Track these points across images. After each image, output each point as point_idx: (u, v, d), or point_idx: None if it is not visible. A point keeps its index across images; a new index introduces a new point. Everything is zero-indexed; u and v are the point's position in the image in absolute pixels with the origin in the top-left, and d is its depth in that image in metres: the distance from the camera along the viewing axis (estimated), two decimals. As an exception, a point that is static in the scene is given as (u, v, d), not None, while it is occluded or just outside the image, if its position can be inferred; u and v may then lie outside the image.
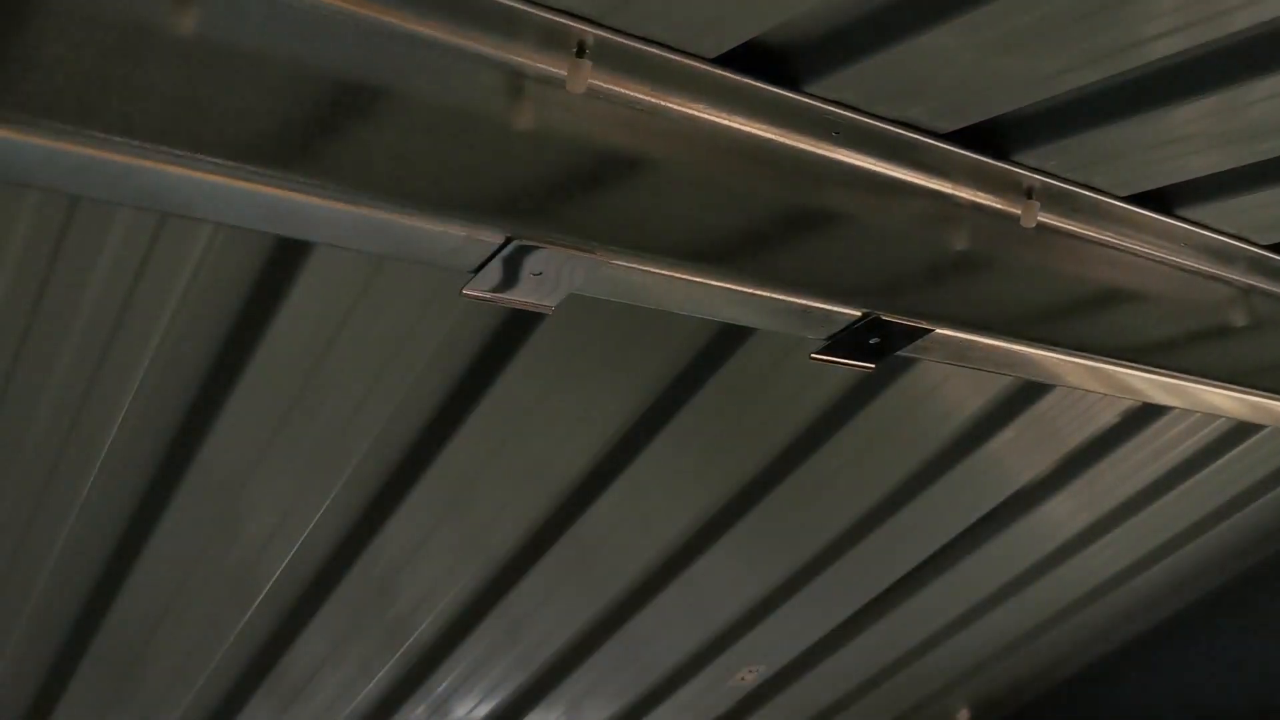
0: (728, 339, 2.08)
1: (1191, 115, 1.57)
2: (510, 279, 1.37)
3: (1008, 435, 2.59)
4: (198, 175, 1.14)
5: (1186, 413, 2.70)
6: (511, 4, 1.28)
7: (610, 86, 1.38)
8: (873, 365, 1.72)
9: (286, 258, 1.68)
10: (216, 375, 1.85)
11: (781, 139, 1.53)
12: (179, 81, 1.13)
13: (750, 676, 3.45)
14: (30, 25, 1.05)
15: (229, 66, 1.16)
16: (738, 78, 1.45)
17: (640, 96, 1.41)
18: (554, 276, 1.38)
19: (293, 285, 1.69)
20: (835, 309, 1.57)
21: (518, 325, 1.93)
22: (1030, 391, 2.47)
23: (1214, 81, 1.50)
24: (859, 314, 1.58)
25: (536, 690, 3.14)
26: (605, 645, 3.00)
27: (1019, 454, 2.73)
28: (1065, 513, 3.09)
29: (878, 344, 1.66)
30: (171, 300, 1.67)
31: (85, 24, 1.08)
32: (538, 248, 1.32)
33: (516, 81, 1.33)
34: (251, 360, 1.81)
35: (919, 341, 1.67)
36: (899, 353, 1.69)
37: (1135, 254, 1.93)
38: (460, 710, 3.11)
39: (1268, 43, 1.44)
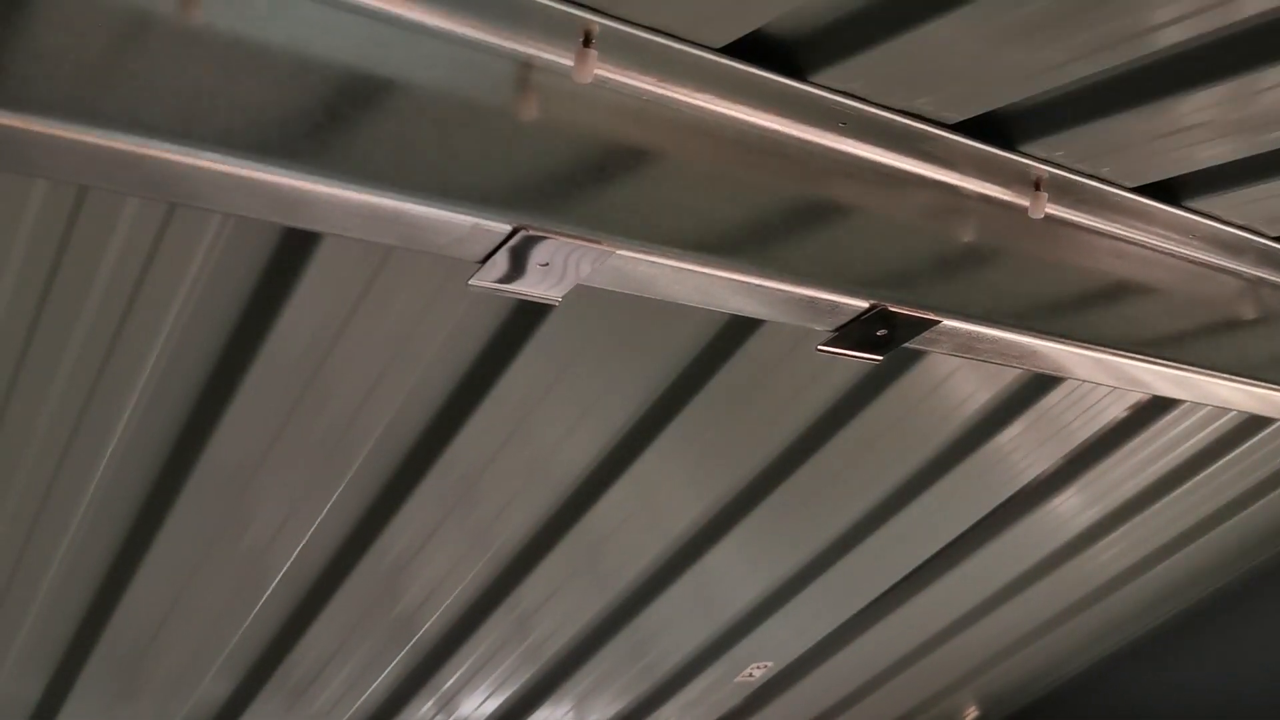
0: (736, 331, 2.08)
1: (1200, 104, 1.56)
2: (517, 270, 1.36)
3: (1015, 430, 2.59)
4: (204, 165, 1.13)
5: (1196, 407, 2.69)
6: (517, -7, 1.28)
7: (616, 77, 1.38)
8: (880, 357, 1.71)
9: (293, 250, 1.67)
10: (224, 368, 1.85)
11: (789, 130, 1.53)
12: (184, 72, 1.13)
13: (758, 673, 3.45)
14: (33, 14, 1.05)
15: (234, 56, 1.16)
16: (744, 68, 1.45)
17: (647, 87, 1.41)
18: (561, 267, 1.37)
19: (300, 277, 1.69)
20: (842, 300, 1.56)
21: (524, 318, 1.92)
22: (1038, 386, 2.46)
23: (1224, 70, 1.49)
24: (866, 305, 1.57)
25: (544, 686, 3.14)
26: (613, 641, 2.99)
27: (1027, 449, 2.72)
28: (1074, 508, 3.08)
29: (885, 336, 1.65)
30: (180, 291, 1.67)
31: (89, 13, 1.08)
32: (544, 238, 1.31)
33: (523, 72, 1.33)
34: (259, 353, 1.80)
35: (926, 333, 1.66)
36: (906, 345, 1.68)
37: (1143, 246, 1.92)
38: (468, 706, 3.11)
39: (1279, 29, 1.43)
